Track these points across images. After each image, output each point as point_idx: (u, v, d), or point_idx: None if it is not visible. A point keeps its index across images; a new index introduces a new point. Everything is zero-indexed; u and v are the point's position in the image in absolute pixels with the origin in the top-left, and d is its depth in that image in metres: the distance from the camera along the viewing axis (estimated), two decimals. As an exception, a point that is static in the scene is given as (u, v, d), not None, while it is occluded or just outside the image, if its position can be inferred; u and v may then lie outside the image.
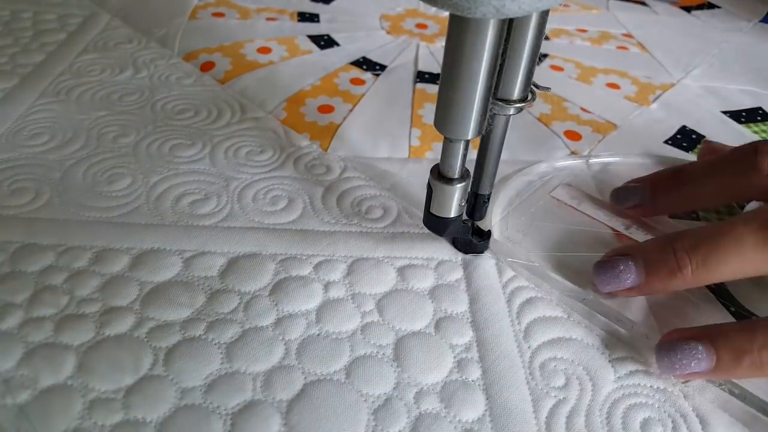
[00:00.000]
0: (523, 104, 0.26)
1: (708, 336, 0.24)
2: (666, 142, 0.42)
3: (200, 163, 0.37)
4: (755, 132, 0.44)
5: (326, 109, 0.42)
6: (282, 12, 0.55)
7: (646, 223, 0.33)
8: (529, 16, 0.23)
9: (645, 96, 0.47)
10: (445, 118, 0.24)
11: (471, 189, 0.29)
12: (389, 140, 0.40)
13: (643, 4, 0.65)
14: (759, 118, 0.46)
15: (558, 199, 0.34)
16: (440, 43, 0.52)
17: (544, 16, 0.23)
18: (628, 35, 0.57)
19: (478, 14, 0.19)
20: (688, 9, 0.64)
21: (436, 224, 0.29)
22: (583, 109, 0.44)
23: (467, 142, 0.26)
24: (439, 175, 0.27)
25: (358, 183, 0.36)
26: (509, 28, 0.23)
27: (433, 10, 0.59)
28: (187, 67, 0.47)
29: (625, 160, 0.38)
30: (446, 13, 0.58)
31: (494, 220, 0.33)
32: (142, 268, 0.30)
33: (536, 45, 0.24)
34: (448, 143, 0.26)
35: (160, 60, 0.48)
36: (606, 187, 0.36)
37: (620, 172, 0.37)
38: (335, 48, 0.50)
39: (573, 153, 0.39)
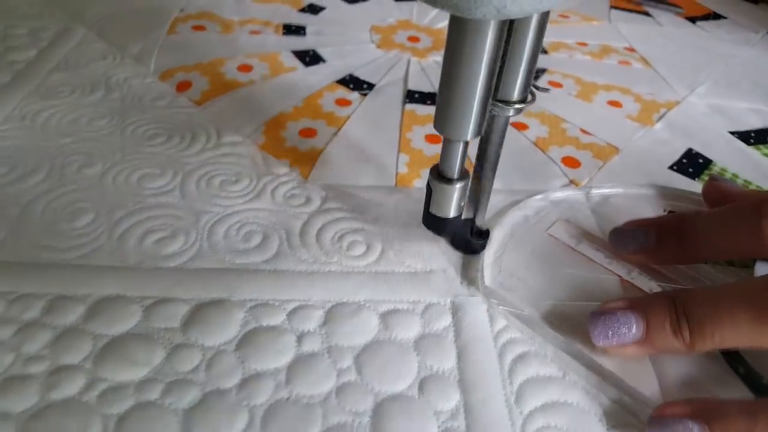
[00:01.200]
0: (522, 105, 0.25)
1: (705, 416, 0.22)
2: (671, 167, 0.39)
3: (169, 195, 0.34)
4: (765, 155, 0.42)
5: (308, 132, 0.39)
6: (267, 24, 0.52)
7: (649, 267, 0.30)
8: (530, 17, 0.23)
9: (649, 115, 0.45)
10: (444, 119, 0.24)
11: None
12: (375, 167, 0.37)
13: (647, 14, 0.62)
14: (768, 139, 0.44)
15: (556, 238, 0.32)
16: (432, 59, 0.50)
17: (544, 17, 0.23)
18: (631, 49, 0.55)
19: (479, 15, 0.19)
20: (693, 20, 0.62)
21: (435, 224, 0.29)
22: (582, 131, 0.41)
23: (466, 143, 0.26)
24: (439, 174, 0.27)
25: (339, 215, 0.34)
26: (509, 29, 0.23)
27: (426, 21, 0.56)
28: (163, 87, 0.44)
29: (628, 191, 0.35)
30: (439, 25, 0.56)
31: (486, 261, 0.30)
32: (98, 319, 0.27)
33: (536, 46, 0.24)
34: (447, 143, 0.26)
35: (134, 79, 0.45)
36: (607, 222, 0.33)
37: (622, 205, 0.34)
38: (321, 65, 0.47)
39: (572, 182, 0.37)
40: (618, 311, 0.25)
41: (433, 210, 0.29)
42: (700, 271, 0.30)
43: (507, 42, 0.23)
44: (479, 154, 0.28)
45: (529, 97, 0.26)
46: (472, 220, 0.31)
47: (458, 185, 0.27)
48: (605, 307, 0.26)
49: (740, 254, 0.28)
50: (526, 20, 0.23)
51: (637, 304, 0.25)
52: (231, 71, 0.45)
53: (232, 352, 0.26)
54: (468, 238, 0.31)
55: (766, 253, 0.26)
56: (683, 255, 0.29)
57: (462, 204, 0.28)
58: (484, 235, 0.31)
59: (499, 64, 0.23)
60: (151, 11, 0.54)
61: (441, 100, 0.24)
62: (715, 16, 0.63)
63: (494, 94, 0.25)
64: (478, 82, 0.22)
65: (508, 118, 0.26)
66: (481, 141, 0.28)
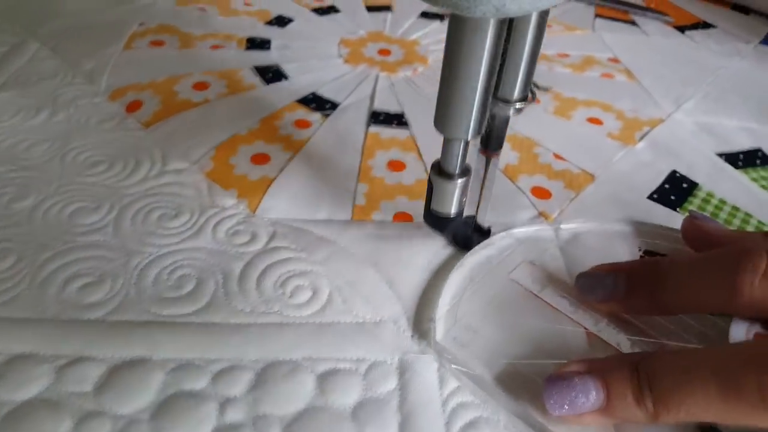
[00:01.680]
0: (523, 104, 0.26)
1: (599, 371, 0.22)
2: (651, 196, 0.36)
3: (101, 232, 0.31)
4: (754, 179, 0.39)
5: (261, 158, 0.36)
6: (230, 38, 0.50)
7: (620, 318, 0.27)
8: (529, 15, 0.23)
9: (631, 133, 0.42)
10: (444, 118, 0.24)
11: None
12: (331, 198, 0.34)
13: (633, 23, 0.59)
14: (758, 161, 0.41)
15: (519, 283, 0.29)
16: (403, 73, 0.47)
17: (544, 15, 0.23)
18: (615, 60, 0.52)
19: (478, 13, 0.19)
20: (681, 29, 0.58)
21: (436, 221, 0.29)
22: (556, 156, 0.38)
23: (467, 142, 0.25)
24: (440, 171, 0.27)
25: (286, 255, 0.31)
26: (509, 28, 0.23)
27: (399, 32, 0.53)
28: (112, 108, 0.41)
29: (601, 228, 0.32)
30: (413, 37, 0.53)
31: (441, 310, 0.27)
32: (4, 382, 0.24)
33: (536, 45, 0.24)
34: (447, 142, 0.26)
35: (83, 98, 0.42)
36: (576, 263, 0.30)
37: (594, 244, 0.31)
38: (283, 82, 0.44)
39: (541, 214, 0.34)
40: (576, 377, 0.23)
41: (434, 207, 0.28)
42: (676, 321, 0.27)
43: (507, 41, 0.23)
44: (480, 152, 0.28)
45: (530, 96, 0.26)
46: (473, 218, 0.30)
47: (459, 182, 0.27)
48: (563, 372, 0.23)
49: (715, 310, 0.26)
50: (525, 19, 0.23)
51: (598, 369, 0.23)
52: (185, 90, 0.43)
53: (146, 422, 0.23)
54: (469, 236, 0.30)
55: (743, 312, 0.24)
56: (654, 307, 0.26)
57: (463, 201, 0.28)
58: (485, 233, 0.31)
59: (499, 62, 0.23)
60: (109, 25, 0.51)
61: (441, 98, 0.24)
62: (705, 26, 0.59)
63: (494, 92, 0.25)
64: (477, 80, 0.22)
65: (508, 116, 0.26)
66: (482, 140, 0.28)
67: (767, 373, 0.20)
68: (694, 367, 0.21)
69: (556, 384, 0.23)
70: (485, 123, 0.25)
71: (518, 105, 0.25)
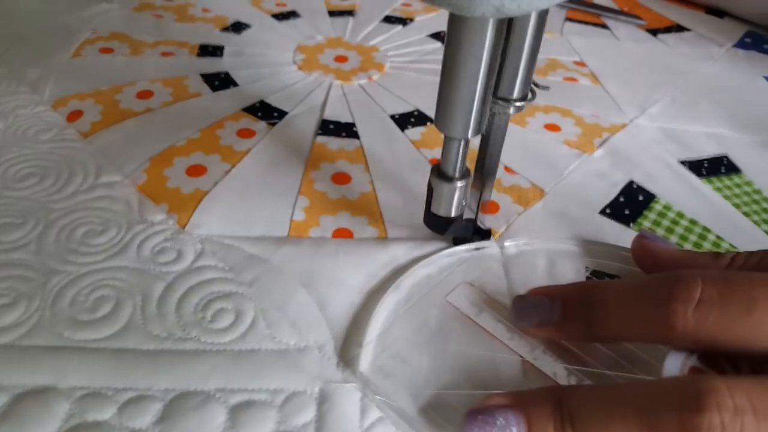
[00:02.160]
0: (523, 103, 0.26)
1: (521, 405, 0.21)
2: (604, 211, 0.34)
3: (23, 250, 0.30)
4: (717, 189, 0.37)
5: (196, 170, 0.35)
6: (182, 45, 0.48)
7: (558, 346, 0.25)
8: (529, 15, 0.23)
9: (589, 140, 0.40)
10: (444, 117, 0.24)
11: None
12: (267, 213, 0.33)
13: (604, 27, 0.57)
14: (723, 169, 0.39)
15: (455, 306, 0.27)
16: (357, 82, 0.45)
17: (543, 15, 0.23)
18: (580, 63, 0.50)
19: (478, 13, 0.19)
20: (654, 32, 0.57)
21: (436, 223, 0.29)
22: (507, 170, 0.37)
23: (467, 141, 0.26)
24: (440, 173, 0.27)
25: (212, 275, 0.29)
26: (508, 27, 0.23)
27: (359, 38, 0.51)
28: (53, 118, 0.40)
29: (547, 246, 0.31)
30: (372, 42, 0.51)
31: (370, 336, 0.26)
32: None
33: (536, 44, 0.24)
34: (447, 141, 0.26)
35: (24, 108, 0.41)
36: (519, 284, 0.28)
37: (539, 263, 0.30)
38: (231, 89, 0.43)
39: (488, 232, 0.32)
40: (498, 411, 0.21)
41: (435, 209, 0.28)
42: (619, 349, 0.25)
43: (506, 40, 0.23)
44: (480, 153, 0.29)
45: (530, 95, 0.26)
46: (473, 220, 0.30)
47: (459, 184, 0.27)
48: (485, 405, 0.22)
49: (650, 342, 0.24)
50: (525, 18, 0.23)
51: (520, 403, 0.21)
52: (128, 99, 0.41)
53: (41, 460, 0.21)
54: (470, 239, 0.31)
55: (678, 344, 0.22)
56: (589, 335, 0.24)
57: (464, 203, 0.28)
58: (485, 234, 0.31)
59: (498, 62, 0.23)
60: (60, 32, 0.49)
61: (441, 98, 0.24)
62: (679, 29, 0.58)
63: (494, 92, 0.25)
64: (477, 80, 0.22)
65: (508, 115, 0.26)
66: (482, 139, 0.28)
67: (687, 413, 0.18)
68: (616, 404, 0.20)
69: (476, 419, 0.21)
70: (485, 122, 0.25)
71: (518, 104, 0.26)
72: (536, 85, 0.27)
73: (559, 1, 0.20)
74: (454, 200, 0.28)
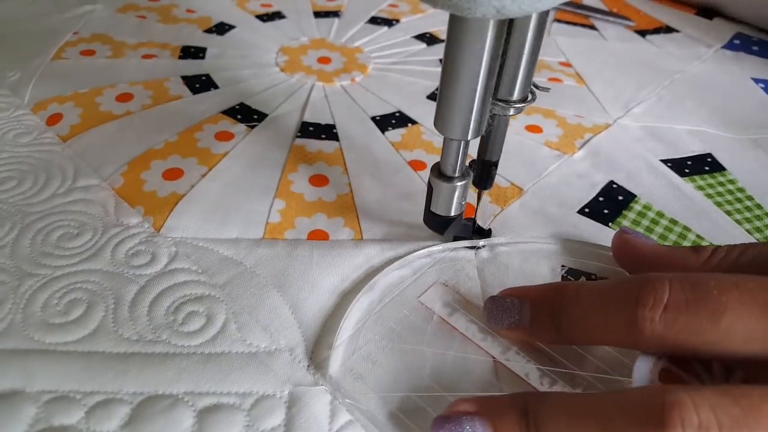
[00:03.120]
0: (523, 105, 0.26)
1: (488, 412, 0.21)
2: (582, 210, 0.34)
3: (-3, 253, 0.29)
4: (700, 188, 0.37)
5: (173, 174, 0.35)
6: (164, 47, 0.48)
7: (531, 346, 0.25)
8: (529, 16, 0.23)
9: (570, 141, 0.40)
10: (444, 119, 0.24)
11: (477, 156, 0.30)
12: (243, 215, 0.32)
13: (592, 27, 0.57)
14: (707, 168, 0.39)
15: (427, 307, 0.27)
16: (339, 83, 0.45)
17: (543, 16, 0.23)
18: (566, 63, 0.50)
19: (478, 15, 0.19)
20: (642, 33, 0.57)
21: (436, 223, 0.29)
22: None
23: (467, 141, 0.25)
24: (440, 173, 0.27)
25: (184, 278, 0.29)
26: (509, 29, 0.23)
27: (343, 39, 0.51)
28: (32, 121, 0.40)
29: (523, 245, 0.30)
30: (356, 44, 0.51)
31: (340, 339, 0.25)
32: None
33: (536, 45, 0.24)
34: (447, 142, 0.26)
35: (4, 111, 0.41)
36: (494, 284, 0.28)
37: (514, 263, 0.30)
38: (212, 92, 0.43)
39: (462, 230, 0.32)
40: (465, 418, 0.21)
41: (434, 209, 0.28)
42: (590, 349, 0.25)
43: (507, 41, 0.23)
44: (480, 154, 0.29)
45: (530, 96, 0.26)
46: (473, 220, 0.31)
47: (459, 183, 0.27)
48: (452, 411, 0.22)
49: (618, 344, 0.24)
50: (525, 19, 0.23)
51: (488, 410, 0.21)
52: (108, 101, 0.41)
53: (3, 466, 0.21)
54: (469, 238, 0.31)
55: (647, 348, 0.22)
56: (559, 337, 0.24)
57: (463, 202, 0.28)
58: (485, 234, 0.31)
59: (498, 63, 0.23)
60: (41, 34, 0.49)
61: (441, 99, 0.24)
62: (668, 30, 0.58)
63: (495, 93, 0.25)
64: (477, 81, 0.22)
65: (508, 117, 0.26)
66: (482, 141, 0.28)
67: (651, 428, 0.18)
68: (579, 416, 0.20)
69: (443, 426, 0.21)
70: (485, 124, 0.25)
71: (518, 106, 0.26)
72: (536, 86, 0.27)
73: (560, 2, 0.20)
74: (454, 199, 0.28)
